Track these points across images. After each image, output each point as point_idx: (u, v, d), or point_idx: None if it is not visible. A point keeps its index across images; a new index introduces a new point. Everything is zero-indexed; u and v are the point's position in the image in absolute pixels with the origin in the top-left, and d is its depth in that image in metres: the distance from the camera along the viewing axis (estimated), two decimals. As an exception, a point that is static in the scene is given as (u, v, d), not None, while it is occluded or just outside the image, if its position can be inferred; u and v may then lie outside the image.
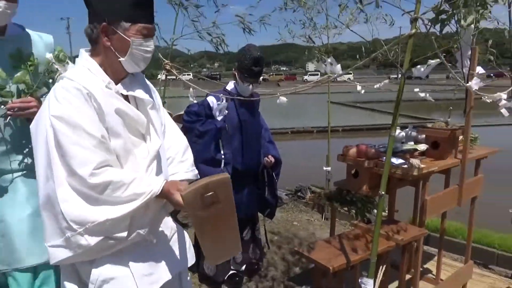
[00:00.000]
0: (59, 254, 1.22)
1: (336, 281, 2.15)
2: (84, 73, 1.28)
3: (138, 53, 1.30)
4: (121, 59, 1.29)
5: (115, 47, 1.28)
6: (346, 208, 2.75)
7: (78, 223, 1.17)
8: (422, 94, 2.54)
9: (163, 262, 1.40)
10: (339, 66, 1.88)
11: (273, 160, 2.82)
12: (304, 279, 3.19)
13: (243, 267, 2.97)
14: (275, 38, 3.33)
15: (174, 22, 2.51)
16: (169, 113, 2.64)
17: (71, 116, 1.18)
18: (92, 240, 1.19)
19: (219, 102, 2.57)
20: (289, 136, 12.94)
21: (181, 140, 1.61)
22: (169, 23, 2.48)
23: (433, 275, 3.00)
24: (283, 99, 1.92)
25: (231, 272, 2.87)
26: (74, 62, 1.49)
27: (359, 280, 1.73)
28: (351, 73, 26.01)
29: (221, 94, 2.42)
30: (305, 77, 50.21)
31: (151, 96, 1.45)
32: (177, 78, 2.39)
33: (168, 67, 2.19)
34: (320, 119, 10.18)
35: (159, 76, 2.60)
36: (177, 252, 1.48)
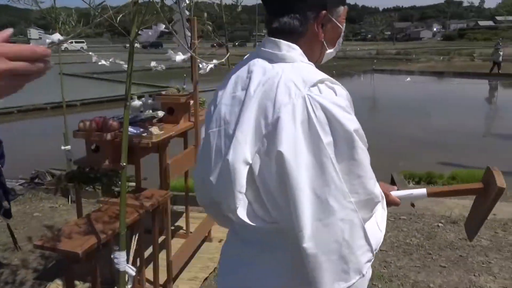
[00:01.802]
0: None
1: (90, 263, 2.05)
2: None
3: (340, 41, 1.10)
4: (329, 50, 1.07)
5: (327, 39, 1.04)
6: (92, 186, 2.61)
7: (373, 253, 0.95)
8: (153, 63, 2.62)
9: None
10: (57, 34, 1.68)
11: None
12: (58, 270, 2.90)
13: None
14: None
15: None
16: None
17: (361, 129, 0.94)
18: (369, 270, 0.97)
19: None
20: (16, 116, 11.06)
21: None
22: None
23: (184, 230, 3.29)
24: None
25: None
26: None
27: (111, 256, 1.70)
28: (83, 42, 24.26)
29: None
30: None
31: None
32: None
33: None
34: (54, 94, 9.07)
35: None
36: None
